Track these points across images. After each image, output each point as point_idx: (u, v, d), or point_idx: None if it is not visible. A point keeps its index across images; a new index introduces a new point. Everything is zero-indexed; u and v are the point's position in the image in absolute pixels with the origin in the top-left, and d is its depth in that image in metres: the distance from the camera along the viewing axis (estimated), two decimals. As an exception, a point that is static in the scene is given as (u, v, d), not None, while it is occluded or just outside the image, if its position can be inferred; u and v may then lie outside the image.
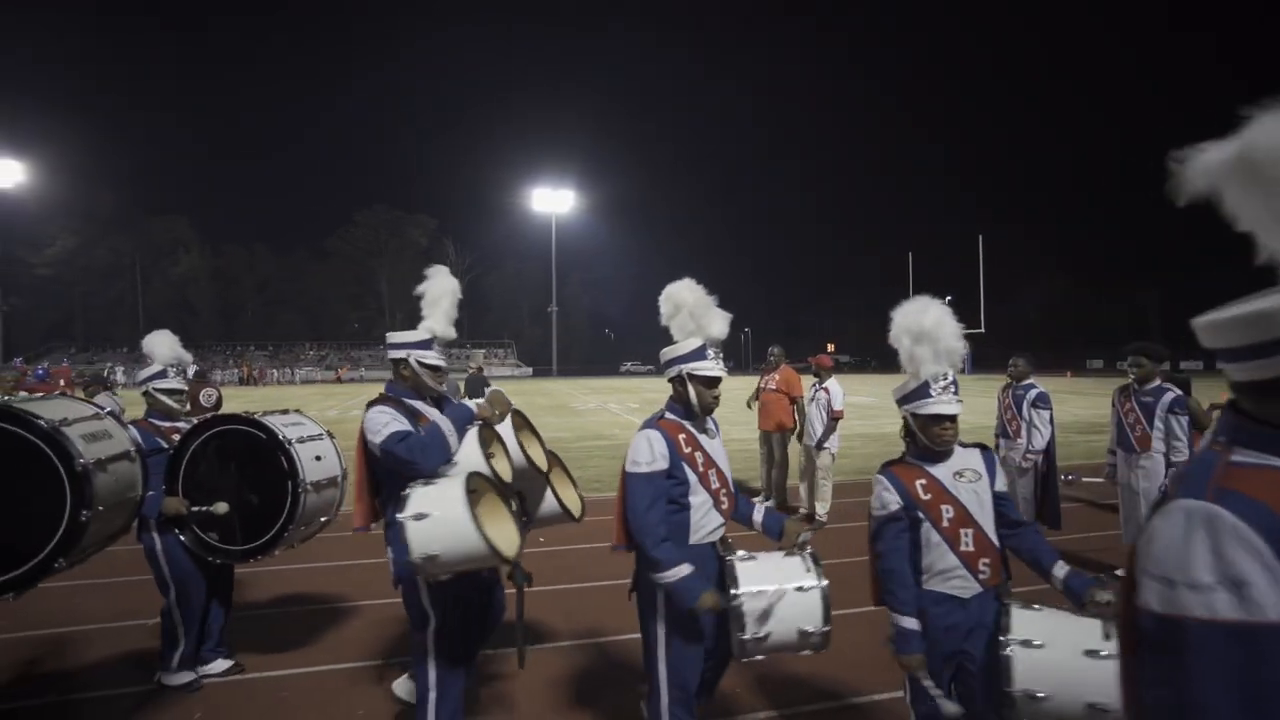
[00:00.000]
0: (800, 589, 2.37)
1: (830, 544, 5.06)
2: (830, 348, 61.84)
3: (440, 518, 2.38)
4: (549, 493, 3.08)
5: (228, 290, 73.83)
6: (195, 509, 3.28)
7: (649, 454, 2.44)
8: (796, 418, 7.42)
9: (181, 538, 3.35)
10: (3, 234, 52.20)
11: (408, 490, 2.45)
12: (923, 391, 2.32)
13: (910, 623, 2.21)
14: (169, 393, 3.66)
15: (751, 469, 9.11)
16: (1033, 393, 5.66)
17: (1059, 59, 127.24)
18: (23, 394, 8.64)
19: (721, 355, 2.61)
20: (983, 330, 53.64)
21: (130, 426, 3.17)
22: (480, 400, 2.88)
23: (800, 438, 7.25)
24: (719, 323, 2.58)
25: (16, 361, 37.45)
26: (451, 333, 3.01)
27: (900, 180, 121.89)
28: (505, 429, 2.94)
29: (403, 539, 2.34)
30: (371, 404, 2.73)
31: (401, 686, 3.26)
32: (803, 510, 7.07)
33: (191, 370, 3.49)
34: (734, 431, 15.20)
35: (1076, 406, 19.82)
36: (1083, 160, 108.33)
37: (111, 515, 2.63)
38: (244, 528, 3.26)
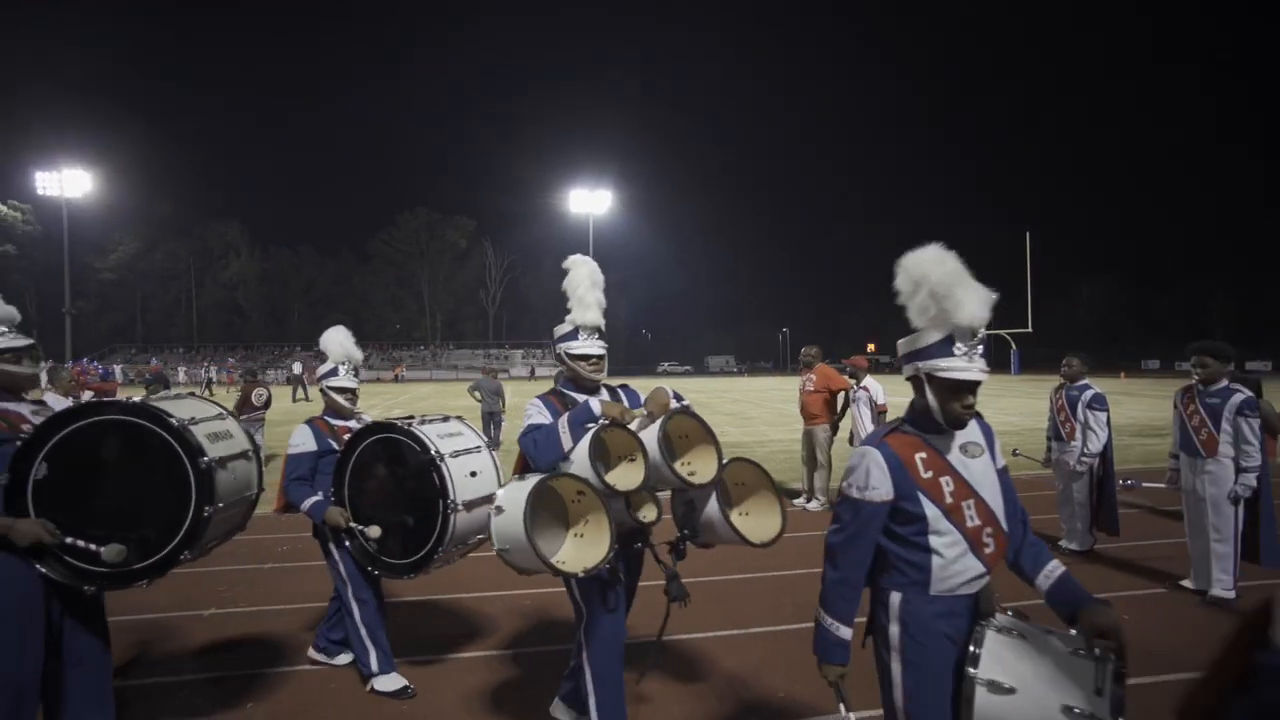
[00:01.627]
0: (1072, 711, 1.64)
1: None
2: (871, 347, 60.79)
3: (508, 515, 2.39)
4: (717, 508, 2.61)
5: (276, 292, 76.23)
6: (353, 525, 3.22)
7: (865, 478, 1.91)
8: (840, 409, 7.49)
9: (346, 544, 3.33)
10: (72, 241, 54.87)
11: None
12: None
13: None
14: (340, 391, 3.57)
15: (793, 469, 9.04)
16: (1088, 394, 5.46)
17: (1110, 47, 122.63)
18: (88, 393, 9.05)
19: (981, 348, 1.91)
20: (1030, 330, 52.05)
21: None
22: (605, 398, 2.82)
23: (851, 441, 7.25)
24: (971, 304, 1.86)
25: (84, 361, 39.32)
26: (596, 319, 2.89)
27: (944, 176, 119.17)
28: (649, 434, 2.56)
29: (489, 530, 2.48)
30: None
31: (559, 709, 3.10)
32: None
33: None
34: (773, 432, 15.12)
35: (1132, 408, 19.04)
36: (1135, 151, 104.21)
37: (231, 511, 2.73)
38: (404, 542, 3.14)
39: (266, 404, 10.17)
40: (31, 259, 64.54)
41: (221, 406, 3.03)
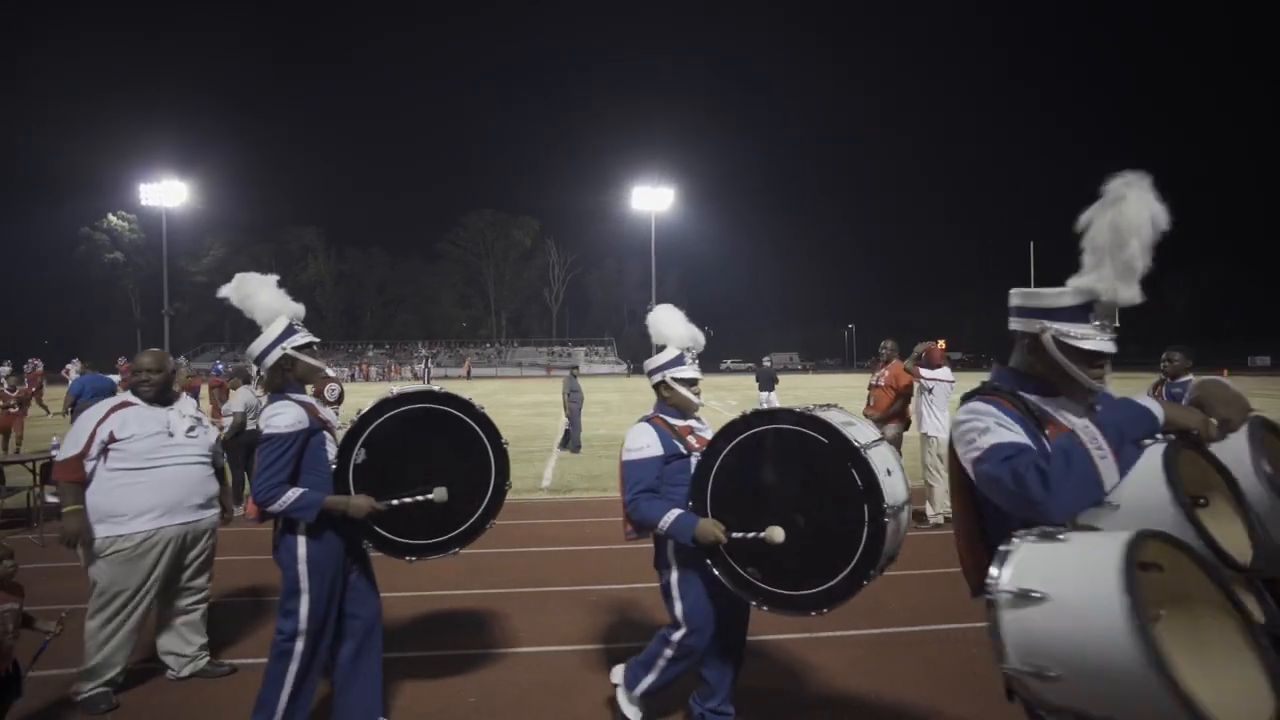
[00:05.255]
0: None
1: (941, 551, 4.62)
2: (942, 344, 58.28)
3: (1070, 607, 1.25)
4: None
5: (350, 293, 79.78)
6: (739, 535, 2.44)
7: None
8: (910, 413, 7.19)
9: (714, 570, 2.52)
10: (171, 247, 59.04)
11: (1011, 544, 1.40)
12: None
13: None
14: (687, 382, 2.87)
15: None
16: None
17: (1197, 19, 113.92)
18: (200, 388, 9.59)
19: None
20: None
21: (653, 428, 2.80)
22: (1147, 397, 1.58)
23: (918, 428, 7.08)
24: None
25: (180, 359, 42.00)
26: (1128, 291, 1.65)
27: (1022, 164, 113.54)
28: (1235, 447, 1.51)
29: (996, 627, 1.33)
30: (969, 396, 1.78)
31: None
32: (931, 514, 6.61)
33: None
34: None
35: (1236, 408, 17.54)
36: (1235, 129, 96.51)
37: None
38: (806, 561, 2.35)
39: (339, 399, 10.54)
40: (136, 265, 70.02)
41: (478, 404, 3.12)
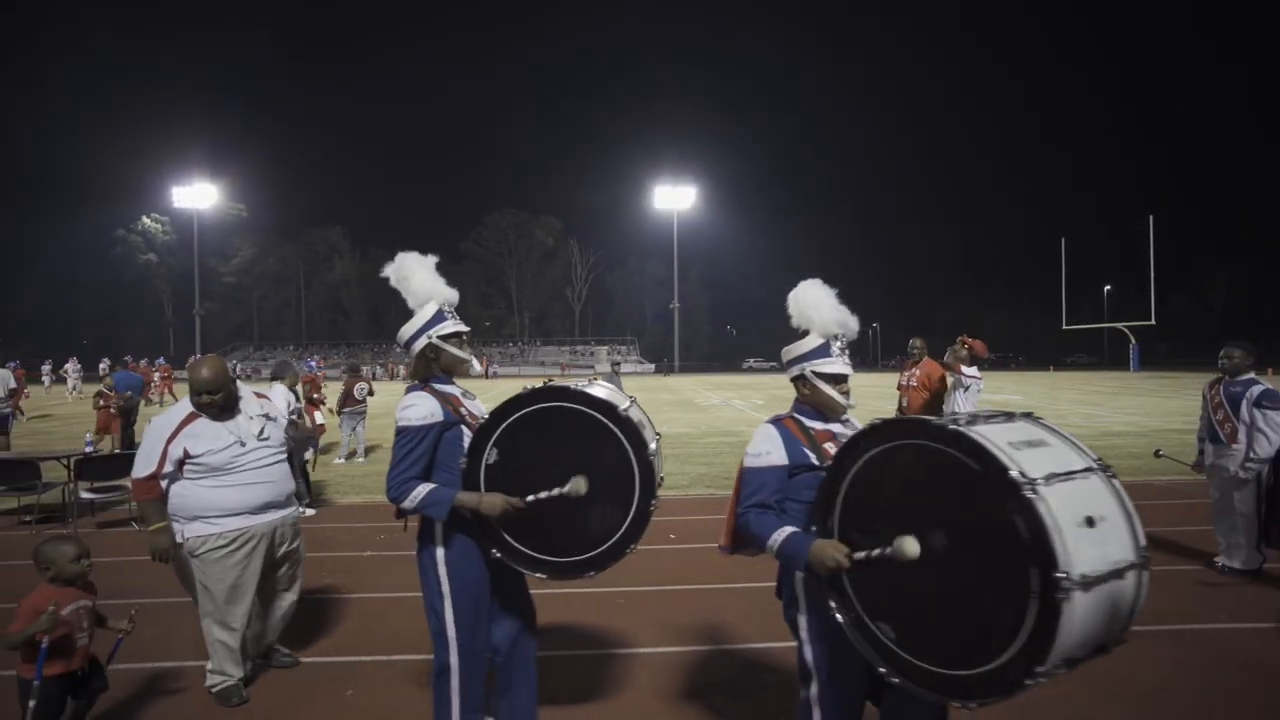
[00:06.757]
0: None
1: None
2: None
3: None
4: None
5: (375, 292, 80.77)
6: (861, 556, 1.89)
7: None
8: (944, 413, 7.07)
9: (838, 616, 1.98)
10: (201, 248, 60.44)
11: None
12: None
13: None
14: (833, 379, 2.31)
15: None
16: (1256, 389, 4.76)
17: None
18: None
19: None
20: (1152, 322, 47.71)
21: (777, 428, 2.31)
22: None
23: None
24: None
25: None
26: None
27: (1052, 159, 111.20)
28: None
29: None
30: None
31: None
32: None
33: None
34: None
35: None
36: (1271, 123, 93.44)
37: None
38: (948, 631, 1.76)
39: (367, 396, 10.60)
40: (169, 266, 71.69)
41: (628, 396, 2.70)
